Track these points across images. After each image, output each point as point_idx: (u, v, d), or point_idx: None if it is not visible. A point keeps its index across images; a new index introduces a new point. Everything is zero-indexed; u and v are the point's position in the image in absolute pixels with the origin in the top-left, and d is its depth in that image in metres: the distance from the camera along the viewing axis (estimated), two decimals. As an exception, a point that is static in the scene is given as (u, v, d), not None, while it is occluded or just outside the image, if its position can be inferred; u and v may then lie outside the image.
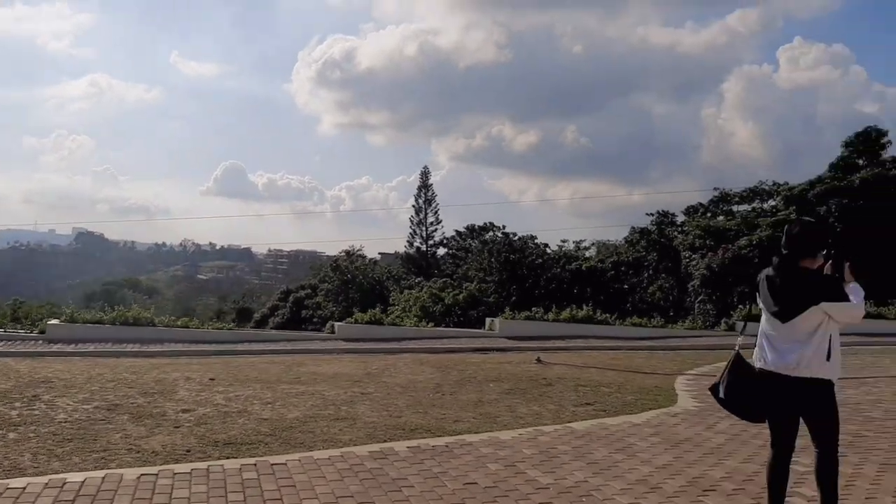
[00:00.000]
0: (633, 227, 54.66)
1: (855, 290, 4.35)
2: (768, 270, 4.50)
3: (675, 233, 49.42)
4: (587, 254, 60.21)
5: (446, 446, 6.35)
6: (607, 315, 18.12)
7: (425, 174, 71.79)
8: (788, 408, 4.36)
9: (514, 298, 38.35)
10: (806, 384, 4.25)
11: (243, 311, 67.53)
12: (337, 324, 17.09)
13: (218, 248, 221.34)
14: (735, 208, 51.42)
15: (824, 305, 4.22)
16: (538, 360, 12.06)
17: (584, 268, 47.08)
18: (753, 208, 50.08)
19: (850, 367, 12.56)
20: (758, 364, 4.46)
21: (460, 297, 37.88)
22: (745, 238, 39.11)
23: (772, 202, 48.37)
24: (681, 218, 52.01)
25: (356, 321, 16.20)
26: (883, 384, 10.54)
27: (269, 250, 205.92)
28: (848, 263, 4.43)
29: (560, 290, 43.21)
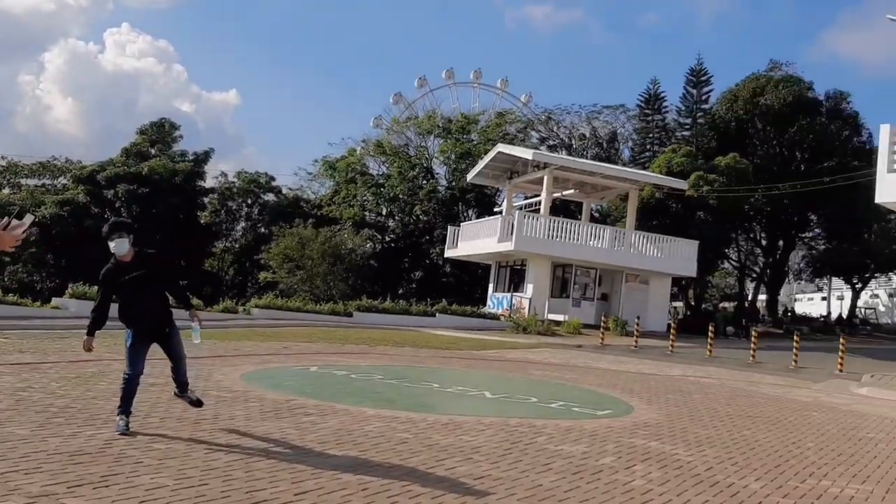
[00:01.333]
0: None
1: None
2: None
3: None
4: None
5: None
6: None
7: None
8: None
9: None
10: None
11: None
12: None
13: None
14: (24, 182, 48.04)
15: None
16: None
17: None
18: (43, 184, 47.58)
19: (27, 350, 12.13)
20: None
21: None
22: (31, 215, 37.44)
23: (63, 180, 46.70)
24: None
25: None
26: (55, 370, 10.35)
27: None
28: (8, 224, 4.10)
29: None
